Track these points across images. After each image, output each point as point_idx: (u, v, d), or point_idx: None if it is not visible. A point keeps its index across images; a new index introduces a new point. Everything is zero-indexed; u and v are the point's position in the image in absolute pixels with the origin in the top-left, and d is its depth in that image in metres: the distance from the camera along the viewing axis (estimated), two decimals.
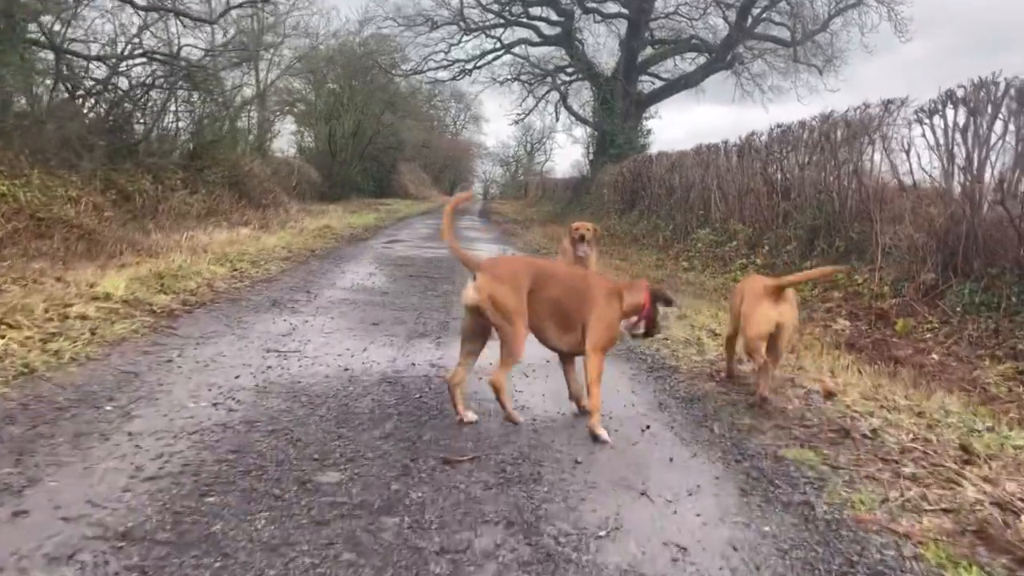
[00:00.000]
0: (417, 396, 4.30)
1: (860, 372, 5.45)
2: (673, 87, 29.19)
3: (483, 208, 39.82)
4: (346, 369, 4.83)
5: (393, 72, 33.60)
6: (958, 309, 7.72)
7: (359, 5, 41.39)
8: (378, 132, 37.73)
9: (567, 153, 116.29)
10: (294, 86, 33.36)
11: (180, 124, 19.35)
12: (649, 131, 29.15)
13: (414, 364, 5.07)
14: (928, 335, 7.86)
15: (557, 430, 3.83)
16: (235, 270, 8.53)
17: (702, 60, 29.76)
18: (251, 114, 26.34)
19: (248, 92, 26.67)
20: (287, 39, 28.80)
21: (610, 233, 19.80)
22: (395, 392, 4.37)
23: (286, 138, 39.11)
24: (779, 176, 12.63)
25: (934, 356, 7.19)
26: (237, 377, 4.47)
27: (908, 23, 26.17)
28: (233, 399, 4.03)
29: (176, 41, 18.84)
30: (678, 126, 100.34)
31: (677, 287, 11.12)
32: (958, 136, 8.42)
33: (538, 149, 69.78)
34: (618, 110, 28.33)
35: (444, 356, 5.28)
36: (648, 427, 3.92)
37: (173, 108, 19.27)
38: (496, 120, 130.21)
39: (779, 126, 13.10)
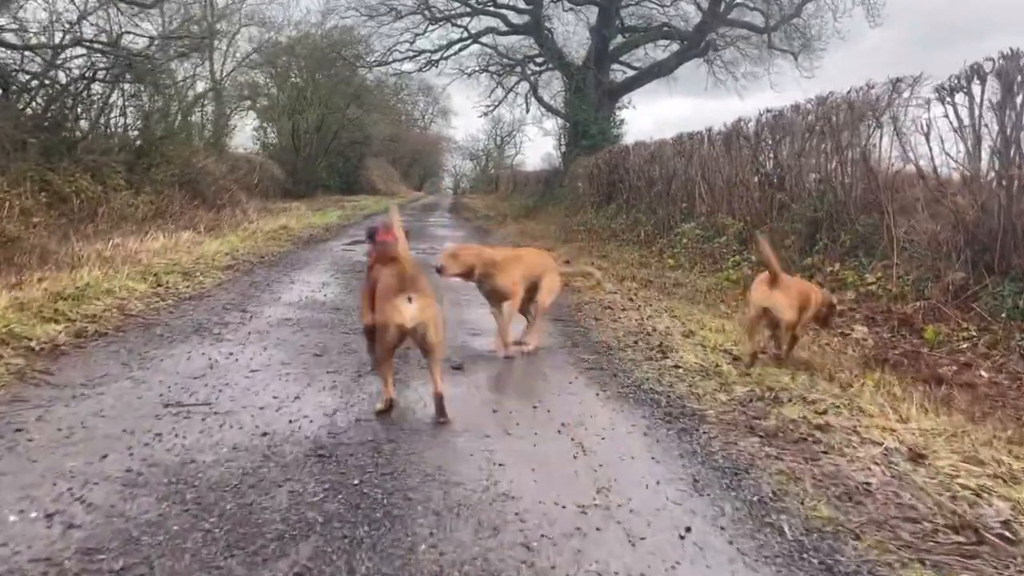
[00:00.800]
0: (357, 483, 3.00)
1: (926, 409, 4.26)
2: (646, 75, 27.99)
3: (453, 203, 38.38)
4: (265, 433, 3.52)
5: (357, 64, 32.00)
6: (1002, 315, 6.59)
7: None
8: (343, 127, 36.12)
9: (537, 146, 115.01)
10: (256, 80, 31.60)
11: (127, 120, 17.74)
12: (622, 121, 27.98)
13: (358, 421, 3.77)
14: (965, 345, 6.71)
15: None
16: (159, 286, 7.12)
17: (675, 48, 28.62)
18: (205, 109, 24.65)
19: (202, 86, 25.01)
20: (244, 28, 27.14)
21: (587, 229, 18.58)
22: (326, 475, 3.06)
23: (247, 134, 37.40)
24: (771, 165, 11.47)
25: (982, 374, 6.04)
26: (104, 457, 3.14)
27: (881, 7, 25.27)
28: (82, 502, 2.71)
29: (118, 30, 17.19)
30: (647, 116, 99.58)
31: (667, 289, 9.94)
32: (989, 115, 7.29)
33: (508, 142, 68.33)
34: (590, 100, 27.10)
35: (402, 402, 4.00)
36: (688, 529, 2.68)
37: (118, 102, 17.65)
38: (465, 114, 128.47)
39: (768, 111, 11.96)
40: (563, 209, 23.96)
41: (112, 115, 17.26)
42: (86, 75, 16.13)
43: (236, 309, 6.59)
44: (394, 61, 30.32)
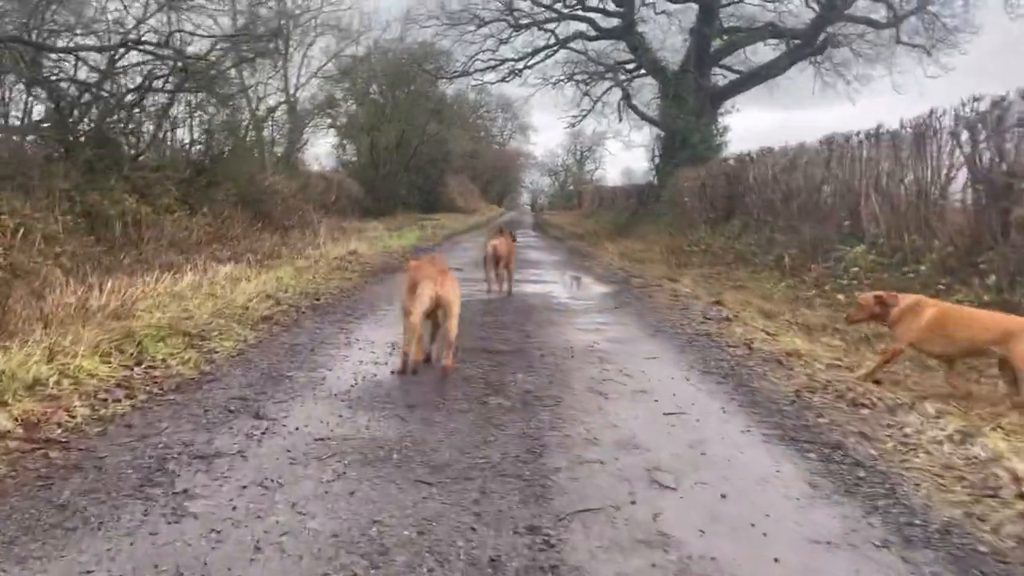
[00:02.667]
0: None
1: None
2: (752, 79, 24.56)
3: (535, 221, 35.59)
4: None
5: (438, 76, 29.63)
6: None
7: (400, 7, 37.69)
8: (423, 143, 33.85)
9: (618, 160, 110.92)
10: (334, 94, 29.60)
11: (191, 134, 15.62)
12: (726, 128, 24.60)
13: None
14: None
15: None
16: (137, 364, 4.45)
17: (784, 49, 25.09)
18: (278, 123, 22.57)
19: (274, 99, 23.05)
20: (319, 37, 25.10)
21: (703, 250, 15.40)
22: None
23: (326, 150, 35.65)
24: (1001, 166, 8.13)
25: None
26: None
27: None
28: None
29: (175, 30, 15.07)
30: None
31: (851, 339, 6.77)
32: None
33: (588, 156, 65.28)
34: (689, 107, 23.86)
35: None
36: None
37: (179, 113, 15.55)
38: (544, 129, 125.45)
39: (976, 99, 8.66)
40: (663, 227, 20.79)
41: (172, 129, 15.15)
42: (144, 84, 14.05)
43: (244, 412, 3.84)
44: (476, 71, 27.77)
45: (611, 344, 6.04)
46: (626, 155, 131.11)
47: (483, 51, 26.95)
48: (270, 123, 21.36)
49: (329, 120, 33.48)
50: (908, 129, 9.65)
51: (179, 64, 13.76)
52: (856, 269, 9.93)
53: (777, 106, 70.19)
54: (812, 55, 23.64)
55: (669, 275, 11.72)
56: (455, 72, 28.65)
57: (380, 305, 7.69)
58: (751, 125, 58.36)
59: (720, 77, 26.27)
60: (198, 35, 14.08)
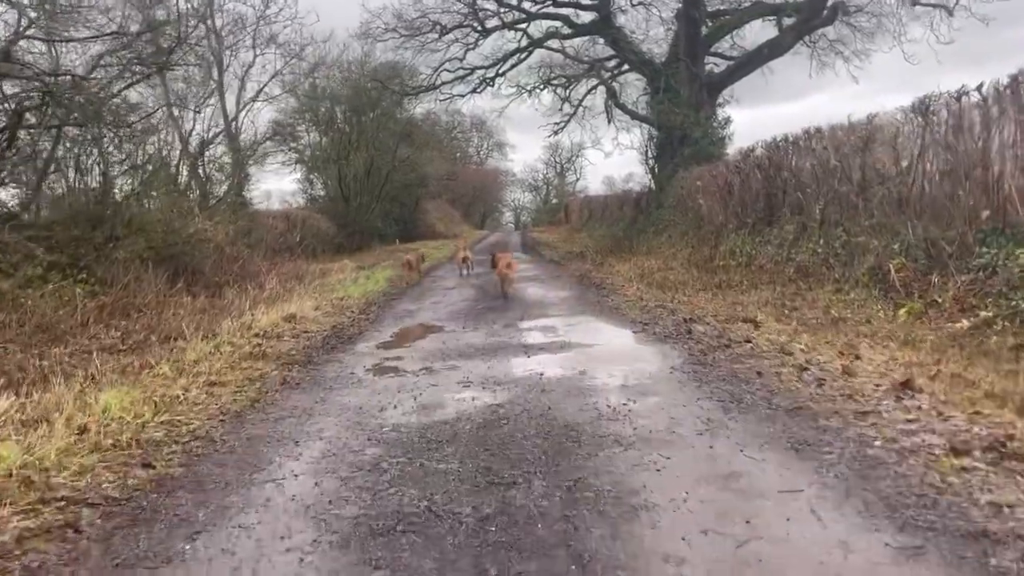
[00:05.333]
0: None
1: None
2: (751, 62, 21.03)
3: (523, 240, 31.84)
4: None
5: (403, 92, 25.91)
6: None
7: (352, 23, 33.96)
8: (394, 168, 30.13)
9: (598, 169, 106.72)
10: (283, 123, 25.86)
11: (80, 175, 11.82)
12: (728, 120, 21.05)
13: None
14: None
15: None
16: None
17: (771, 27, 21.68)
18: (212, 159, 18.69)
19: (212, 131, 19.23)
20: (259, 56, 21.44)
21: (741, 263, 11.75)
22: None
23: (290, 187, 31.95)
24: None
25: None
26: None
27: None
28: None
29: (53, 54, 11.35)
30: None
31: None
32: None
33: (568, 168, 61.67)
34: (684, 99, 20.33)
35: None
36: None
37: (67, 154, 11.78)
38: (521, 147, 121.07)
39: None
40: (675, 237, 17.13)
41: (54, 171, 11.34)
42: (13, 120, 10.31)
43: None
44: (443, 84, 24.09)
45: None
46: (607, 164, 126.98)
47: (449, 59, 23.32)
48: (205, 159, 17.47)
49: (292, 153, 29.80)
50: None
51: (49, 88, 10.01)
52: None
53: (758, 102, 66.93)
54: (821, 26, 20.16)
55: (728, 311, 8.02)
56: (420, 87, 24.96)
57: (288, 437, 3.95)
58: (736, 122, 54.96)
59: (713, 66, 22.80)
60: (72, 43, 10.31)
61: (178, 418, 4.42)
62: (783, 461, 3.29)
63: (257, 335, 7.49)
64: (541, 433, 3.94)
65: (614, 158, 67.04)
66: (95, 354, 7.39)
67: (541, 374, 5.42)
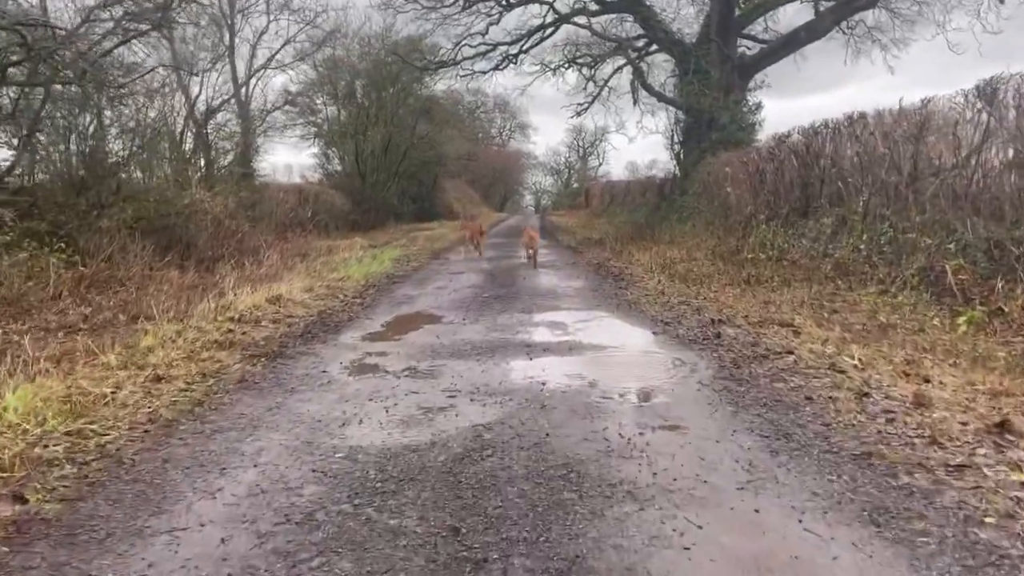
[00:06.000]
0: None
1: None
2: (787, 45, 19.73)
3: (541, 223, 30.81)
4: None
5: (424, 67, 24.83)
6: None
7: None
8: (412, 146, 29.14)
9: (621, 155, 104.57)
10: (290, 91, 25.00)
11: (65, 142, 11.03)
12: (759, 105, 19.81)
13: None
14: None
15: None
16: None
17: (808, 10, 20.31)
18: (219, 127, 17.80)
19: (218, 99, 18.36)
20: (272, 23, 20.53)
21: (771, 257, 10.72)
22: None
23: (308, 161, 31.15)
24: None
25: None
26: None
27: None
28: None
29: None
30: None
31: None
32: None
33: (591, 152, 60.20)
34: (714, 82, 19.10)
35: None
36: None
37: (55, 116, 10.99)
38: (544, 129, 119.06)
39: None
40: (699, 226, 16.06)
41: (39, 131, 10.57)
42: None
43: None
44: (464, 59, 23.02)
45: None
46: (630, 149, 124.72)
47: (470, 34, 22.23)
48: (209, 128, 16.60)
49: (311, 127, 28.94)
50: None
51: (27, 42, 9.16)
52: None
53: (785, 92, 64.86)
54: (861, 9, 18.80)
55: (760, 311, 7.04)
56: (441, 62, 23.88)
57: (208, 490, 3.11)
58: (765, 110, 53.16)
59: (745, 48, 21.50)
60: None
61: (92, 427, 3.58)
62: (861, 542, 2.36)
63: (232, 319, 6.64)
64: (533, 474, 3.03)
65: (637, 143, 65.07)
66: (53, 333, 6.61)
67: (543, 384, 4.52)
